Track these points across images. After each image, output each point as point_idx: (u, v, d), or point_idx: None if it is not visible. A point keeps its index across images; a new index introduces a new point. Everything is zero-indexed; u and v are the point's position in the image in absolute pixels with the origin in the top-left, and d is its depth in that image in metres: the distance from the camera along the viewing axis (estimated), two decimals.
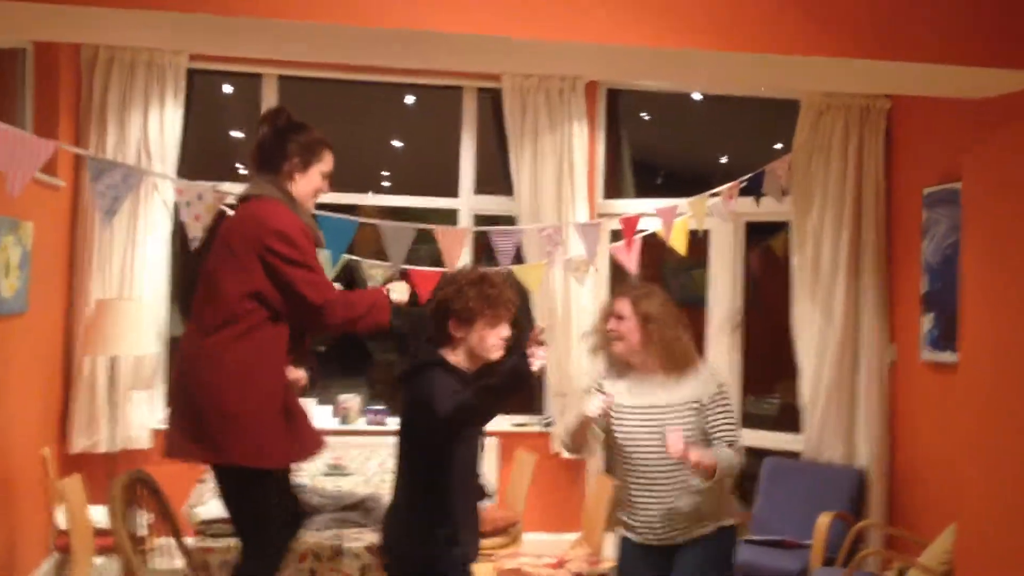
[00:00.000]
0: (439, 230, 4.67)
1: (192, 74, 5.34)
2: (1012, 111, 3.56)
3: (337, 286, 3.17)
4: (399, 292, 3.29)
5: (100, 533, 3.94)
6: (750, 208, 5.01)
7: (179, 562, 3.47)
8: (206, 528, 3.28)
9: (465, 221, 5.78)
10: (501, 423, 5.58)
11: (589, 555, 4.09)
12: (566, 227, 5.09)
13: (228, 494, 3.07)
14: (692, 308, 5.23)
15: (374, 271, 4.68)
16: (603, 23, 3.10)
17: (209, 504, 3.37)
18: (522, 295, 5.02)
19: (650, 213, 4.86)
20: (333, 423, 5.52)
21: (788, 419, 5.40)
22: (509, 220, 5.53)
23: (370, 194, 5.89)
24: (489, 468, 5.35)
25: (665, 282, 5.94)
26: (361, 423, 5.58)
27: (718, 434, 3.24)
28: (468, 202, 5.82)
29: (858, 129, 5.00)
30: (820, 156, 5.07)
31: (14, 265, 4.21)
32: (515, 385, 2.69)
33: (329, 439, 3.32)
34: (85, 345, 4.86)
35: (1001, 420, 3.58)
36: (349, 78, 5.61)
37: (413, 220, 4.56)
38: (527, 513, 4.88)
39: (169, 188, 5.04)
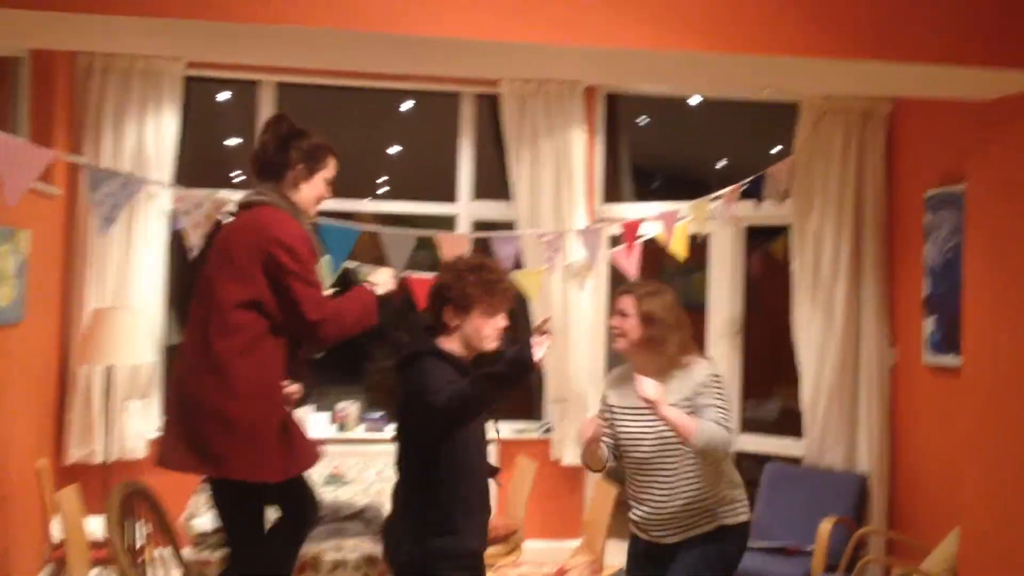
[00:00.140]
0: (439, 236, 4.65)
1: (188, 81, 5.32)
2: (1017, 112, 3.54)
3: (328, 292, 3.14)
4: (384, 282, 3.26)
5: (96, 545, 3.91)
6: (750, 212, 4.99)
7: (176, 574, 3.44)
8: (203, 540, 3.25)
9: (464, 227, 5.76)
10: (501, 430, 5.53)
11: (590, 562, 4.06)
12: (567, 232, 5.07)
13: (223, 506, 3.05)
14: (692, 312, 5.18)
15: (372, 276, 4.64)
16: (602, 26, 3.07)
17: (206, 516, 3.34)
18: (521, 301, 4.99)
19: (651, 217, 4.83)
20: (330, 431, 5.46)
21: (789, 423, 5.38)
22: (508, 225, 5.50)
23: (368, 200, 5.87)
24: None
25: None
26: (359, 431, 5.52)
27: (707, 413, 3.11)
28: (467, 208, 5.80)
29: (858, 132, 4.98)
30: (820, 159, 5.05)
31: (10, 274, 4.18)
32: (517, 375, 2.65)
33: (327, 448, 3.30)
34: (81, 354, 4.83)
35: (1004, 424, 3.55)
36: (346, 84, 5.58)
37: (411, 226, 4.53)
38: (527, 520, 4.85)
39: (166, 196, 5.02)
